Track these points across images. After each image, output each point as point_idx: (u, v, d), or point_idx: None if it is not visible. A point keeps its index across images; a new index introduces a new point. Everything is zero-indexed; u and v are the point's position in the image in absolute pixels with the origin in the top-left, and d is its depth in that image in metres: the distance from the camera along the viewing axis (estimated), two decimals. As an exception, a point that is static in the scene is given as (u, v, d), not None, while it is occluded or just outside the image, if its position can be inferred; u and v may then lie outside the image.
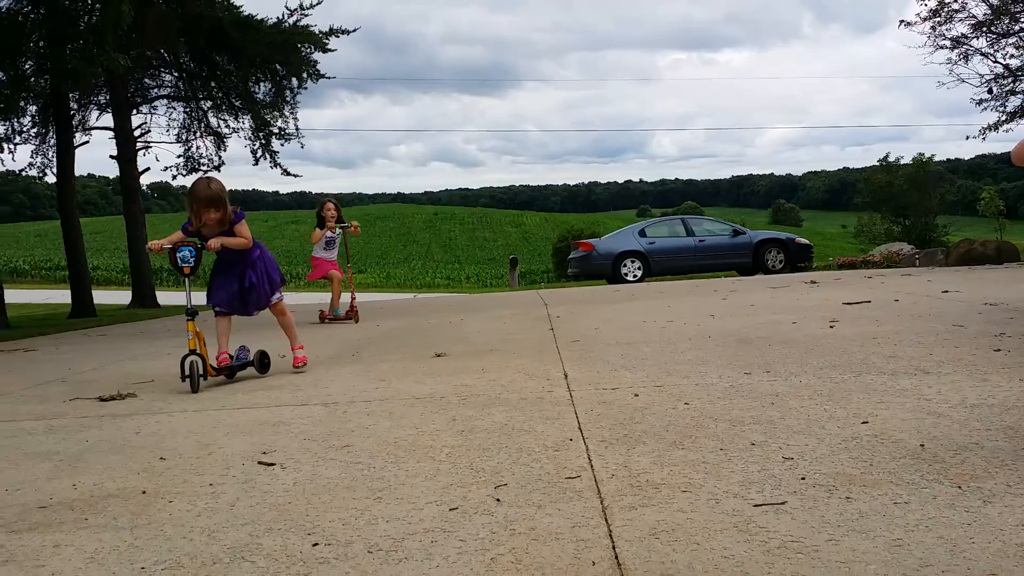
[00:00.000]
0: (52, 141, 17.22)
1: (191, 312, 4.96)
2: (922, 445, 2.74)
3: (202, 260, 5.06)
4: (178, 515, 2.51)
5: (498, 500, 2.46)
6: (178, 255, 4.91)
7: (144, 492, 2.78)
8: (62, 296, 21.73)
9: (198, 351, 4.84)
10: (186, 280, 5.00)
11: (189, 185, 5.07)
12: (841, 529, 2.06)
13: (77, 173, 17.23)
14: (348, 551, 2.13)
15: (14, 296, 23.36)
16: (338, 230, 9.55)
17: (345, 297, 9.66)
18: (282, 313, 5.48)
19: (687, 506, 2.30)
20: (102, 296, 20.70)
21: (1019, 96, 18.87)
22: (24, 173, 18.65)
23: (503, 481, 2.65)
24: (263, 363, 5.31)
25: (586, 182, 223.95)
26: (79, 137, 17.91)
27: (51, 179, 17.79)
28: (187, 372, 4.81)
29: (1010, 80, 18.73)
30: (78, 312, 15.68)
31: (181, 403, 4.49)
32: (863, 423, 3.10)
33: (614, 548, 2.04)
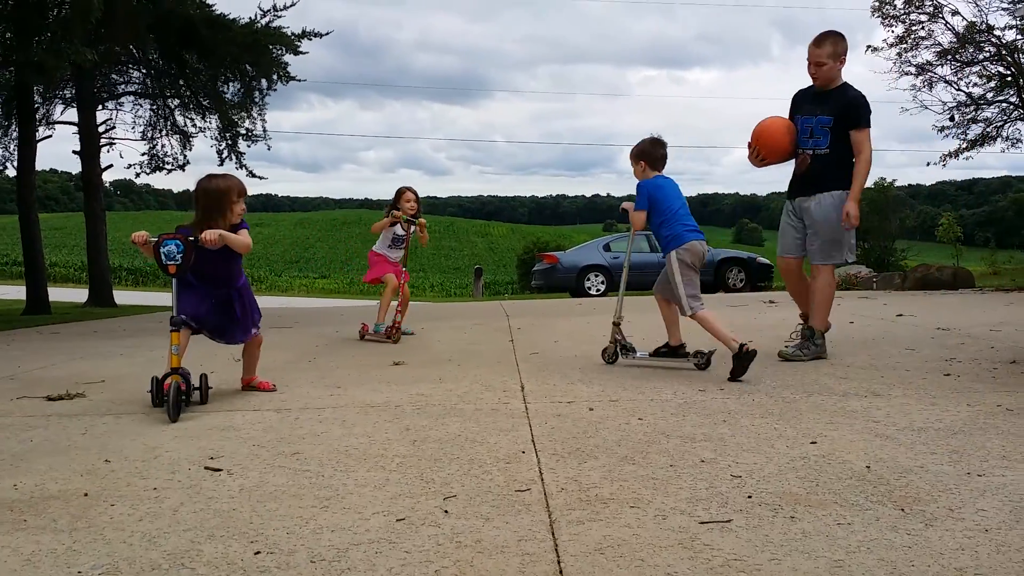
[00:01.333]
0: (14, 134, 16.95)
1: (177, 322, 4.06)
2: (868, 467, 2.77)
3: (192, 259, 4.14)
4: (119, 519, 2.46)
5: (446, 512, 2.45)
6: (162, 250, 4.04)
7: (86, 494, 2.73)
8: (17, 292, 21.36)
9: (182, 370, 4.05)
10: (173, 281, 4.14)
11: (201, 182, 4.30)
12: (784, 548, 2.08)
13: (39, 168, 16.97)
14: (290, 560, 2.11)
15: (-32, 290, 22.94)
16: (413, 228, 7.55)
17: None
18: (257, 346, 4.71)
19: (634, 522, 2.30)
20: (58, 293, 20.40)
21: (980, 124, 19.22)
22: (-16, 166, 18.34)
23: (453, 492, 2.64)
24: (207, 390, 4.37)
25: (554, 195, 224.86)
26: (42, 131, 17.63)
27: (12, 172, 17.52)
28: (166, 395, 3.95)
29: (972, 108, 19.07)
30: (32, 309, 15.41)
31: (130, 405, 4.42)
32: (812, 443, 3.13)
33: (559, 563, 2.04)
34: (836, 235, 5.29)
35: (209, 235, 4.05)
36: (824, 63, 5.29)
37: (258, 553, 2.15)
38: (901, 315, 8.42)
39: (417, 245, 7.83)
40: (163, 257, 4.06)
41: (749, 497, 2.49)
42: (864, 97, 5.27)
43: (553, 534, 2.24)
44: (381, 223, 7.67)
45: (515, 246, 54.68)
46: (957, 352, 5.45)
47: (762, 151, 5.39)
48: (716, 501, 2.46)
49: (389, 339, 7.20)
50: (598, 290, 19.05)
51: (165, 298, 31.25)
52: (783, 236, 5.64)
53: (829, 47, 5.29)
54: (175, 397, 3.88)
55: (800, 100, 5.55)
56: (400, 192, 7.65)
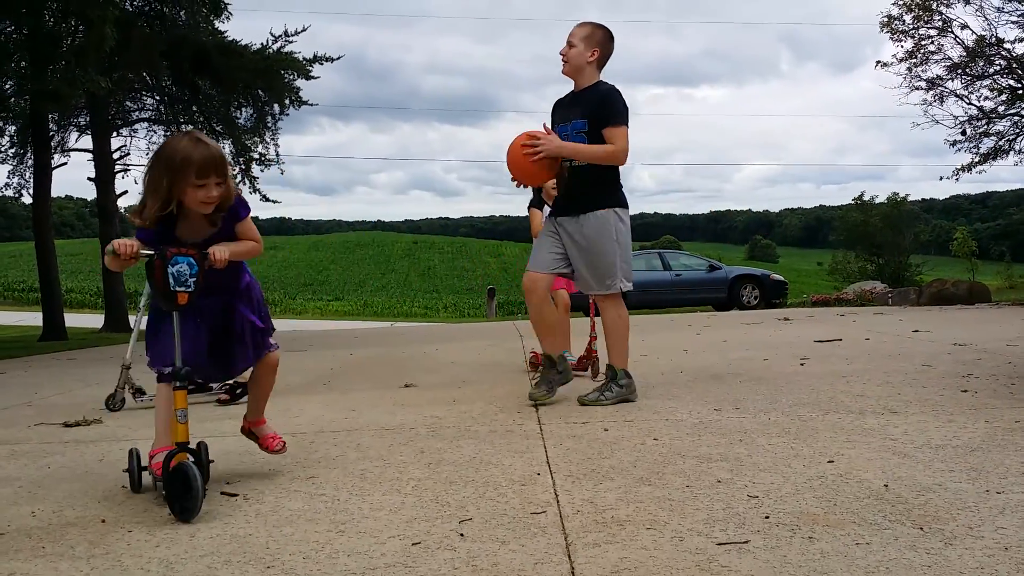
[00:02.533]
0: (30, 162, 17.14)
1: (183, 375, 2.87)
2: (886, 485, 2.76)
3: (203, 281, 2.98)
4: (137, 545, 2.47)
5: (462, 535, 2.44)
6: (171, 270, 2.84)
7: (104, 521, 2.74)
8: (34, 318, 21.51)
9: (192, 446, 2.92)
10: (174, 315, 2.90)
11: (157, 148, 3.05)
12: (803, 569, 2.07)
13: (54, 194, 17.14)
14: (307, 585, 2.11)
15: (-15, 317, 23.10)
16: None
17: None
18: (272, 371, 3.36)
19: (651, 544, 2.29)
20: (74, 319, 20.51)
21: (992, 138, 19.16)
22: (0, 193, 18.53)
23: (468, 515, 2.64)
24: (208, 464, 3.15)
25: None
26: (57, 158, 17.81)
27: (28, 199, 17.70)
28: (182, 488, 2.69)
29: (984, 122, 19.03)
30: (49, 335, 15.51)
31: (147, 430, 4.42)
32: (829, 462, 3.11)
33: (575, 586, 2.03)
34: (606, 259, 4.65)
35: (219, 253, 2.94)
36: (575, 44, 4.69)
37: (275, 578, 2.15)
38: (917, 331, 8.38)
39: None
40: (172, 280, 2.85)
41: (766, 517, 2.47)
42: (619, 92, 4.68)
43: (570, 557, 2.23)
44: (536, 221, 6.13)
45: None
46: (974, 368, 5.41)
47: (514, 175, 4.71)
48: (733, 522, 2.45)
49: (585, 371, 5.91)
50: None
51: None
52: (537, 249, 4.86)
53: (587, 30, 4.74)
54: (199, 486, 2.70)
55: (555, 108, 4.92)
56: None
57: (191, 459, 2.81)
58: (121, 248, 2.80)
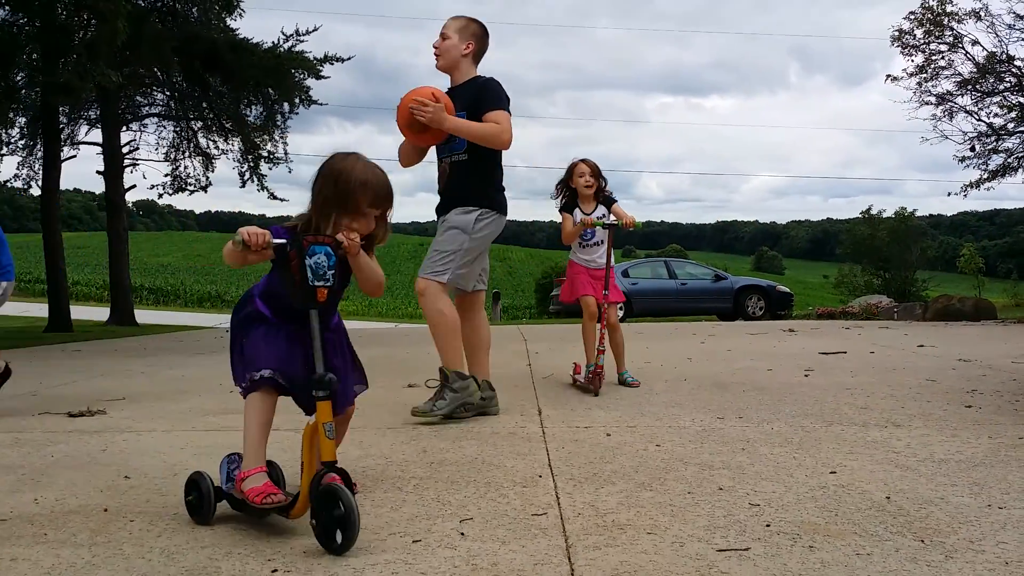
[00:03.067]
0: (39, 154, 17.21)
1: (323, 383, 2.43)
2: (888, 497, 2.75)
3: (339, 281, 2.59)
4: (138, 534, 2.48)
5: (462, 534, 2.45)
6: (309, 261, 2.45)
7: (106, 510, 2.75)
8: (40, 309, 21.57)
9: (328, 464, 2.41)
10: (312, 314, 2.49)
11: (329, 165, 2.62)
12: (802, 578, 2.06)
13: (63, 187, 17.21)
14: (307, 579, 2.11)
15: (-9, 307, 23.19)
16: (597, 227, 5.49)
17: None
18: (347, 419, 2.95)
19: (651, 548, 2.29)
20: (80, 311, 20.58)
21: (1001, 155, 19.16)
22: (9, 184, 18.61)
23: (469, 515, 2.64)
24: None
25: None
26: (67, 151, 17.90)
27: (36, 191, 17.76)
28: (343, 516, 2.26)
29: (993, 139, 19.03)
30: (55, 326, 15.56)
31: (150, 422, 4.45)
32: (831, 473, 3.11)
33: (575, 587, 2.04)
34: (448, 247, 4.41)
35: (350, 244, 2.52)
36: (448, 36, 4.47)
37: (275, 571, 2.16)
38: (922, 346, 8.37)
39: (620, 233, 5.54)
40: (310, 272, 2.45)
41: (767, 526, 2.47)
42: (498, 82, 4.47)
43: (570, 559, 2.23)
44: (568, 226, 5.55)
45: (533, 271, 54.84)
46: (978, 384, 5.41)
47: (397, 120, 4.43)
48: (734, 529, 2.45)
49: (590, 389, 5.25)
50: (616, 316, 19.02)
51: (186, 317, 31.39)
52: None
53: (461, 22, 4.51)
54: (358, 513, 2.26)
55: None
56: (571, 168, 5.62)
57: (342, 478, 2.38)
58: (252, 237, 2.39)
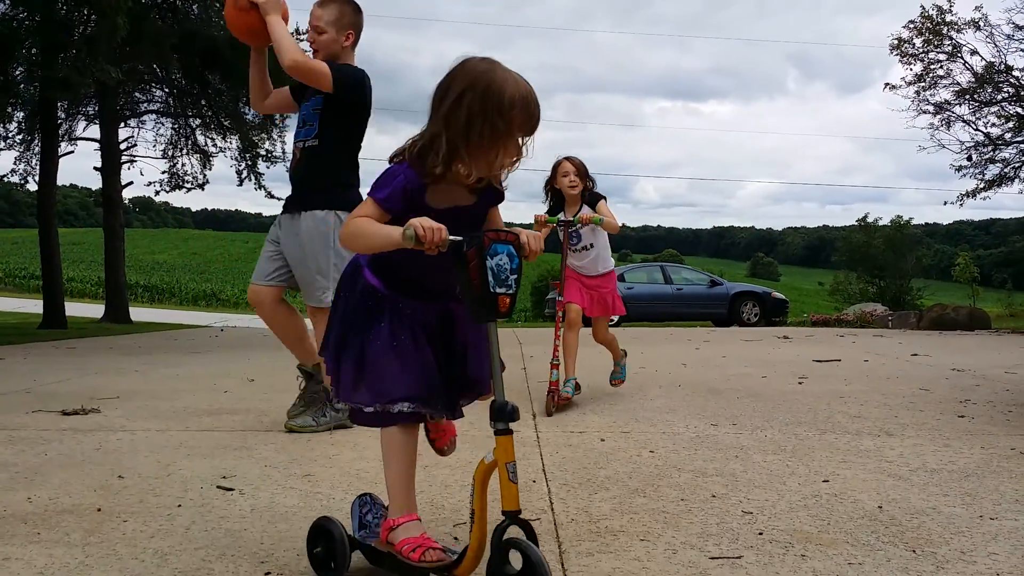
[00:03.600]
0: (37, 148, 17.16)
1: (506, 413, 1.95)
2: (880, 507, 2.76)
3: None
4: (132, 535, 2.48)
5: (456, 539, 2.45)
6: (490, 263, 1.97)
7: (99, 510, 2.75)
8: (34, 306, 21.53)
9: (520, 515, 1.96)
10: (491, 328, 2.06)
11: (470, 71, 2.02)
12: (794, 587, 2.07)
13: (59, 182, 17.16)
14: (300, 582, 2.12)
15: (-15, 302, 23.13)
16: (582, 229, 5.07)
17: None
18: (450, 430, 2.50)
19: (644, 555, 2.30)
20: (75, 308, 20.53)
21: (998, 165, 19.21)
22: (6, 179, 18.58)
23: (463, 519, 2.64)
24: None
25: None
26: (64, 146, 17.87)
27: (33, 187, 17.73)
28: None
29: (990, 149, 19.08)
30: (49, 323, 15.53)
31: (144, 422, 4.44)
32: (824, 481, 3.12)
33: (567, 593, 2.04)
34: (317, 266, 4.11)
35: (533, 243, 2.05)
36: (324, 30, 4.13)
37: (268, 574, 2.16)
38: (916, 354, 8.39)
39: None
40: (490, 277, 1.95)
41: (760, 534, 2.48)
42: (363, 73, 4.21)
43: (563, 564, 2.24)
44: (542, 232, 4.81)
45: (529, 274, 54.69)
46: (972, 394, 5.42)
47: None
48: (727, 537, 2.46)
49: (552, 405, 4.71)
50: (611, 320, 19.05)
51: (182, 316, 31.33)
52: (260, 257, 4.39)
53: (334, 11, 4.13)
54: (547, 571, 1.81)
55: (300, 85, 4.31)
56: (556, 166, 5.13)
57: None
58: (427, 234, 1.89)
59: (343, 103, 4.10)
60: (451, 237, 1.93)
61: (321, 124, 4.09)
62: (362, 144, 4.28)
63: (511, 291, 1.99)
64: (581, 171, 5.07)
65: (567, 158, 5.11)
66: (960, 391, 5.56)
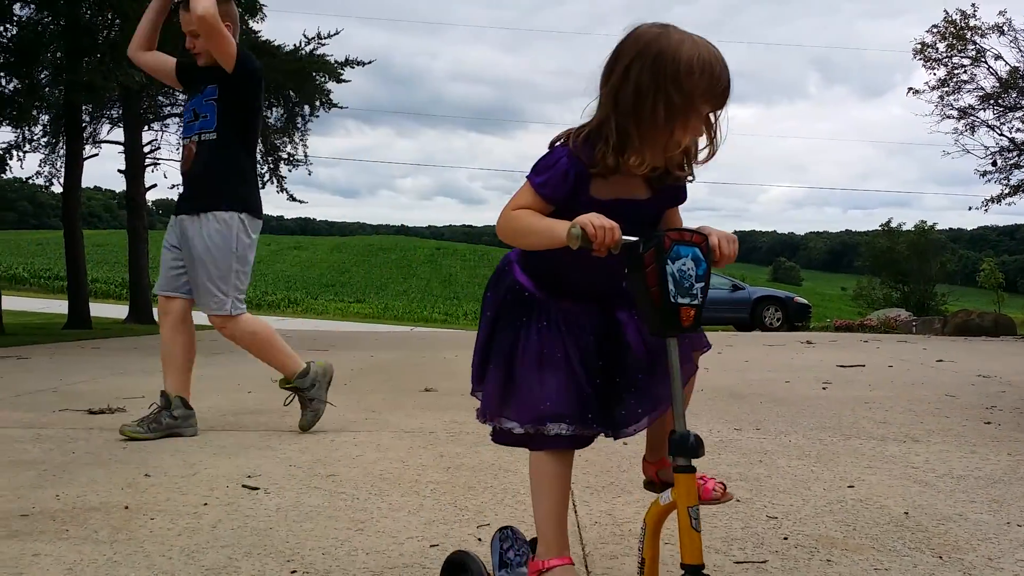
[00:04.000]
0: (62, 151, 17.33)
1: (687, 446, 1.61)
2: (906, 513, 2.75)
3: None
4: (159, 532, 2.50)
5: (479, 540, 2.46)
6: (671, 268, 1.62)
7: (127, 507, 2.77)
8: (59, 306, 21.73)
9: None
10: (672, 345, 1.66)
11: (639, 40, 1.70)
12: (820, 591, 2.06)
13: (84, 185, 17.33)
14: (326, 581, 2.13)
15: (11, 303, 23.37)
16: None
17: None
18: (692, 382, 2.08)
19: (668, 559, 2.29)
20: (99, 309, 20.71)
21: (1023, 170, 19.05)
22: (31, 181, 18.78)
23: (486, 520, 2.65)
24: None
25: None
26: (88, 149, 18.05)
27: (57, 189, 17.92)
28: None
29: (1015, 154, 18.92)
30: (74, 323, 15.67)
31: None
32: (849, 487, 3.10)
33: (592, 595, 2.04)
34: (218, 272, 3.94)
35: (725, 245, 1.73)
36: (198, 33, 3.95)
37: (294, 572, 2.18)
38: (941, 360, 8.32)
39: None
40: (671, 285, 1.63)
41: (785, 539, 2.47)
42: (251, 56, 4.13)
43: (587, 567, 2.24)
44: None
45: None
46: (998, 400, 5.37)
47: None
48: (751, 542, 2.45)
49: None
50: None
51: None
52: (162, 265, 4.15)
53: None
54: None
55: (181, 70, 4.21)
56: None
57: None
58: (598, 234, 1.60)
59: (241, 90, 3.96)
60: (625, 237, 1.65)
61: (219, 116, 3.92)
62: (258, 138, 4.14)
63: (696, 302, 1.66)
64: None
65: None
66: (986, 397, 5.51)
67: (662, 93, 1.65)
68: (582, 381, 1.82)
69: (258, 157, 15.29)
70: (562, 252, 1.70)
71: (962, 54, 18.46)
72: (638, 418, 1.91)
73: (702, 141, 1.78)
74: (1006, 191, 19.13)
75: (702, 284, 1.66)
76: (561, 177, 1.74)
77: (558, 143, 1.81)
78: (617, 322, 1.88)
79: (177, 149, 19.78)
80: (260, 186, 4.99)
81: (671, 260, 1.63)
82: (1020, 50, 18.00)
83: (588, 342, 1.85)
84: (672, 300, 1.63)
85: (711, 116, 1.74)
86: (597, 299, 1.89)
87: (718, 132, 1.77)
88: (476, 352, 1.99)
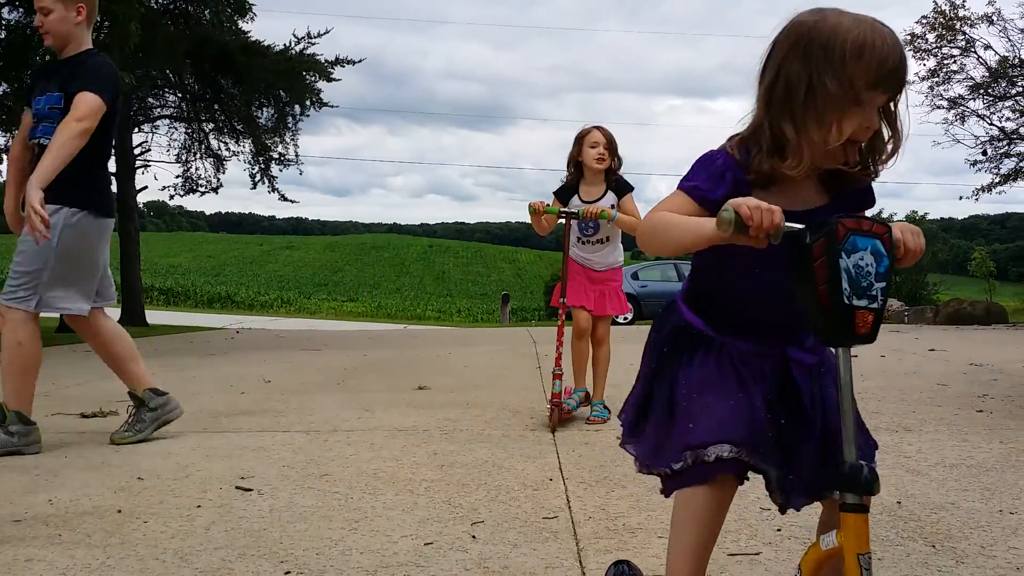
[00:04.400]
0: (52, 155, 17.26)
1: (862, 479, 1.37)
2: (899, 502, 2.75)
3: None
4: (152, 536, 2.50)
5: (474, 537, 2.46)
6: (847, 262, 1.37)
7: (119, 511, 2.77)
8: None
9: None
10: (843, 356, 1.40)
11: (794, 28, 1.50)
12: (813, 582, 2.07)
13: (74, 188, 17.27)
14: (320, 581, 2.13)
15: (3, 307, 23.33)
16: (580, 215, 4.40)
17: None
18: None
19: (662, 552, 2.29)
20: (91, 312, 20.62)
21: (1013, 159, 19.10)
22: (22, 185, 18.71)
23: (480, 518, 2.65)
24: None
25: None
26: (79, 152, 17.96)
27: (48, 192, 17.83)
28: None
29: (1005, 143, 18.96)
30: (66, 326, 15.60)
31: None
32: (842, 477, 3.10)
33: (586, 590, 2.04)
34: (31, 265, 3.66)
35: (911, 240, 1.49)
36: (51, 9, 3.73)
37: (288, 573, 2.18)
38: (933, 350, 8.34)
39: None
40: (844, 284, 1.37)
41: (778, 530, 2.48)
42: (107, 60, 3.90)
43: (581, 562, 2.24)
44: (541, 222, 4.45)
45: (542, 272, 54.79)
46: (990, 388, 5.39)
47: None
48: (745, 533, 2.45)
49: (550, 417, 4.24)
50: (625, 318, 19.01)
51: (197, 318, 31.48)
52: None
53: None
54: None
55: (34, 78, 4.04)
56: (581, 136, 4.49)
57: None
58: (754, 215, 1.35)
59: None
60: (789, 224, 1.40)
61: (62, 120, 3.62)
62: (111, 136, 3.98)
63: (875, 305, 1.38)
64: (611, 144, 4.45)
65: (596, 127, 4.49)
66: (978, 386, 5.53)
67: (815, 82, 1.45)
68: (754, 408, 1.54)
69: (249, 158, 15.02)
70: (731, 274, 1.55)
71: (952, 44, 18.48)
72: (812, 458, 1.61)
73: (886, 134, 1.55)
74: (996, 180, 19.17)
75: (883, 284, 1.39)
76: (718, 175, 1.53)
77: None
78: (794, 380, 1.62)
79: (167, 151, 19.76)
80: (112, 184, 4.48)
81: (845, 253, 1.38)
82: (1009, 40, 18.04)
83: (764, 382, 1.59)
84: (846, 301, 1.37)
85: (890, 104, 1.51)
86: (774, 334, 1.61)
87: (900, 122, 1.53)
88: (631, 406, 1.76)
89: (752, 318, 1.59)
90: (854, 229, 1.38)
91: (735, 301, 1.61)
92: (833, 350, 1.43)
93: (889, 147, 1.55)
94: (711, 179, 1.53)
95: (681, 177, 1.58)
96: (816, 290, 1.38)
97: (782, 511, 1.66)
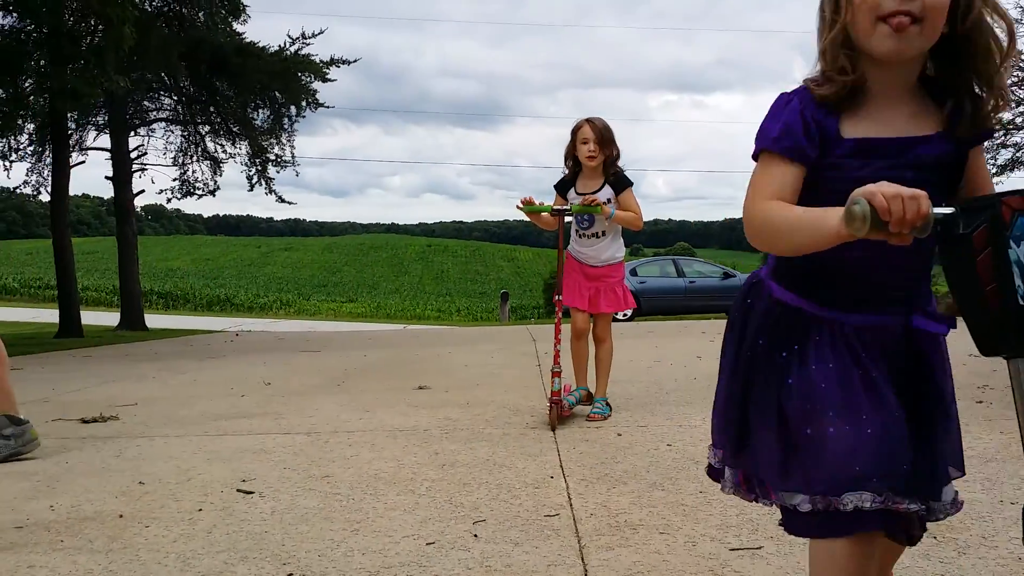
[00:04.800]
0: (48, 159, 17.24)
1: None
2: (900, 494, 2.75)
3: None
4: (154, 540, 2.50)
5: (476, 536, 2.46)
6: (1017, 251, 1.11)
7: (121, 516, 2.77)
8: (50, 315, 21.63)
9: None
10: (1013, 371, 1.28)
11: None
12: (815, 576, 2.07)
13: (72, 192, 17.24)
14: (323, 582, 2.13)
15: (2, 314, 23.33)
16: (571, 209, 4.38)
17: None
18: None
19: (664, 548, 2.30)
20: (90, 317, 20.62)
21: (1010, 149, 19.10)
22: (19, 191, 18.69)
23: (482, 517, 2.65)
24: None
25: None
26: (75, 157, 17.92)
27: (45, 197, 17.82)
28: None
29: (1001, 133, 18.96)
30: (65, 332, 15.59)
31: (163, 428, 4.47)
32: (843, 470, 3.11)
33: (589, 588, 2.04)
34: None
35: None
36: None
37: (291, 575, 2.18)
38: (931, 341, 8.35)
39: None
40: (1018, 281, 1.13)
41: (780, 524, 2.48)
42: None
43: (583, 559, 2.24)
44: (541, 220, 4.48)
45: (541, 270, 54.75)
46: (990, 379, 5.39)
47: None
48: (746, 528, 2.46)
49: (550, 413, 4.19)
50: (624, 315, 19.00)
51: (196, 321, 31.46)
52: None
53: None
54: None
55: None
56: (575, 131, 4.41)
57: None
58: (893, 206, 1.09)
59: None
60: (936, 210, 1.11)
61: None
62: None
63: None
64: (603, 137, 4.32)
65: (588, 120, 4.37)
66: (978, 377, 5.53)
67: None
68: (891, 424, 1.30)
69: (245, 160, 15.01)
70: (842, 248, 1.20)
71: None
72: (949, 479, 1.43)
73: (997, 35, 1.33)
74: (993, 171, 19.19)
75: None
76: (798, 117, 1.30)
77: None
78: (926, 356, 1.42)
79: (164, 154, 19.74)
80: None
81: (1015, 241, 1.10)
82: (1006, 31, 18.06)
83: (893, 366, 1.37)
84: (1021, 302, 1.13)
85: None
86: (895, 303, 1.37)
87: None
88: (720, 411, 1.47)
89: (878, 283, 1.35)
90: (1019, 207, 1.10)
91: (855, 268, 1.33)
92: (1007, 362, 1.19)
93: (1003, 42, 1.31)
94: (791, 128, 1.30)
95: (756, 134, 1.36)
96: (981, 289, 1.13)
97: (911, 543, 1.41)
